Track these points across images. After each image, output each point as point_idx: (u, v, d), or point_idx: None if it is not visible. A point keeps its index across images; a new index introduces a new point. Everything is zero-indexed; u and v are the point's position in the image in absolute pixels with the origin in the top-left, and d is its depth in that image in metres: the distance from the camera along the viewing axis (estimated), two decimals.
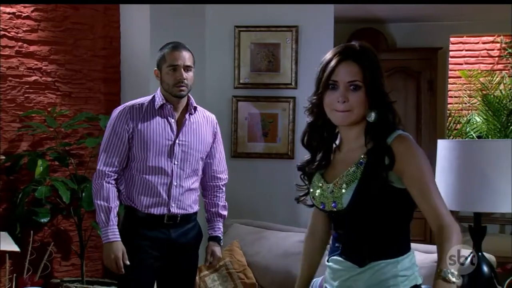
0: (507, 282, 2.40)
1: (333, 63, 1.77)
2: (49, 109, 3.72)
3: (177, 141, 2.71)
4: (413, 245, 1.85)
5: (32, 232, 3.51)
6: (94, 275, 3.92)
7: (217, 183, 2.92)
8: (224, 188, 2.95)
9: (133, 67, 4.00)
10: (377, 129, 1.79)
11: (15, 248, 3.13)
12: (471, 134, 6.43)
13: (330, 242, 1.93)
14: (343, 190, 1.78)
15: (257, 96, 4.09)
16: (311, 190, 1.89)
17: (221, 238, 2.93)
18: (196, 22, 4.06)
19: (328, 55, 1.81)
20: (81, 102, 3.91)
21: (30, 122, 3.63)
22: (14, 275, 3.40)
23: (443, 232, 1.67)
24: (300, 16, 4.03)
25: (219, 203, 2.92)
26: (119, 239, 2.63)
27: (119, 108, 2.77)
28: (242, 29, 4.06)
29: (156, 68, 2.76)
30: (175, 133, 2.72)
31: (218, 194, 2.92)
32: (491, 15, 5.48)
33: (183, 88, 2.68)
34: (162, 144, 2.69)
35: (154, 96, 2.76)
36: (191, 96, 2.79)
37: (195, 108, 2.80)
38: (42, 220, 3.46)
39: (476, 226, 2.39)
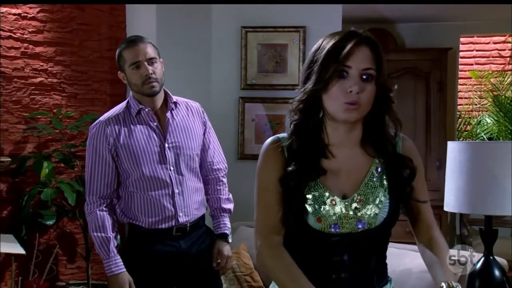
0: None
1: (348, 46, 1.49)
2: (54, 110, 3.70)
3: (166, 144, 2.50)
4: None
5: (37, 234, 3.50)
6: (100, 278, 3.88)
7: (216, 175, 2.70)
8: (225, 180, 2.73)
9: None
10: (384, 134, 1.58)
11: (20, 250, 3.10)
12: (482, 136, 6.36)
13: None
14: (379, 206, 1.54)
15: (264, 97, 4.05)
16: (315, 208, 1.54)
17: (228, 234, 2.69)
18: (202, 22, 4.04)
19: (331, 40, 1.51)
20: (87, 104, 3.88)
21: (35, 124, 3.61)
22: (20, 278, 3.38)
23: (434, 242, 1.62)
24: (307, 16, 3.99)
25: (221, 196, 2.70)
26: (123, 270, 2.47)
27: (94, 125, 2.55)
28: (249, 29, 4.03)
29: (119, 71, 2.55)
30: (161, 137, 2.51)
31: (219, 188, 2.70)
32: (502, 15, 5.41)
33: (153, 83, 2.45)
34: (152, 152, 2.48)
35: (128, 102, 2.54)
36: (167, 91, 2.57)
37: (175, 103, 2.57)
38: (47, 223, 3.44)
39: (487, 229, 2.34)
